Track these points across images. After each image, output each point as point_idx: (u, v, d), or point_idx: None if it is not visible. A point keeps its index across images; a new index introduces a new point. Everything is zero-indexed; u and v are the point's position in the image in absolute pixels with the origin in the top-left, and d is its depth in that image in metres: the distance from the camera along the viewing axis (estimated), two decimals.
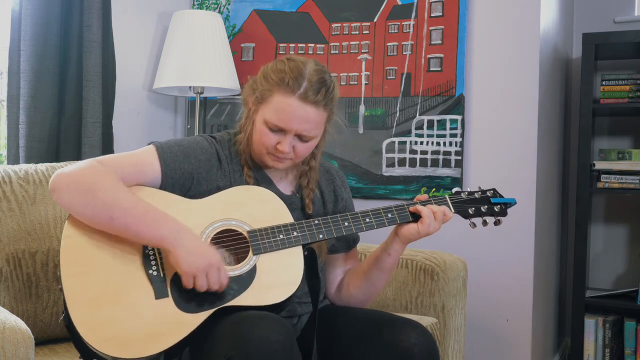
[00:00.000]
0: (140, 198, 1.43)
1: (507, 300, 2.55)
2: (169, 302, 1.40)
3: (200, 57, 2.58)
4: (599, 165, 2.88)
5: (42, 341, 1.77)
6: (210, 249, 1.41)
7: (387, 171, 2.69)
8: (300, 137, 1.55)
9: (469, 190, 1.67)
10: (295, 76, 1.50)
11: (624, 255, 3.25)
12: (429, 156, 2.63)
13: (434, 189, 2.62)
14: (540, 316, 2.71)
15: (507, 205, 1.66)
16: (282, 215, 1.54)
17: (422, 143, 2.64)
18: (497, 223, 1.64)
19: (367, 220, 1.57)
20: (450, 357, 2.05)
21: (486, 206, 1.64)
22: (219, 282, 1.39)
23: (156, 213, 1.41)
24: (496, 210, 1.64)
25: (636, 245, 3.21)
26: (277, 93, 1.52)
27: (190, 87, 2.73)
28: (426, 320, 1.98)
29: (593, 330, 2.93)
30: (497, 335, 2.56)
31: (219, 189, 1.56)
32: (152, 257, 1.43)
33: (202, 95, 2.77)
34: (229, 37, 2.88)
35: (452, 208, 1.62)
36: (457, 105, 2.59)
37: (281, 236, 1.50)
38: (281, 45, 2.86)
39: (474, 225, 1.63)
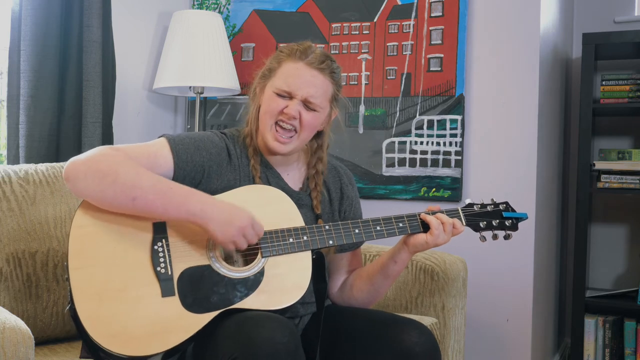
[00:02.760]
0: (160, 176, 1.44)
1: (507, 300, 2.54)
2: (175, 300, 1.40)
3: (200, 57, 2.58)
4: (599, 165, 2.88)
5: (42, 341, 1.77)
6: (239, 212, 1.43)
7: (387, 171, 2.69)
8: (306, 105, 1.58)
9: (482, 202, 1.66)
10: (304, 49, 1.62)
11: (624, 255, 3.24)
12: (429, 156, 2.63)
13: (433, 189, 2.65)
14: (540, 316, 2.71)
15: (518, 219, 1.64)
16: (293, 217, 1.54)
17: (422, 143, 2.64)
18: (507, 237, 1.63)
19: (378, 228, 1.58)
20: (450, 357, 2.05)
21: (498, 220, 1.63)
22: (256, 236, 1.45)
23: (180, 189, 1.42)
24: (507, 224, 1.63)
25: (636, 245, 3.21)
26: (285, 62, 1.61)
27: (190, 87, 2.73)
28: (426, 320, 1.98)
29: (593, 330, 2.93)
30: (497, 335, 2.56)
31: (229, 183, 1.57)
32: (161, 253, 1.43)
33: (202, 95, 2.77)
34: (229, 37, 2.88)
35: (464, 221, 1.61)
36: (457, 105, 2.59)
37: (291, 240, 1.50)
38: (281, 45, 2.85)
39: (484, 238, 1.62)
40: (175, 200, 1.40)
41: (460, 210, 1.62)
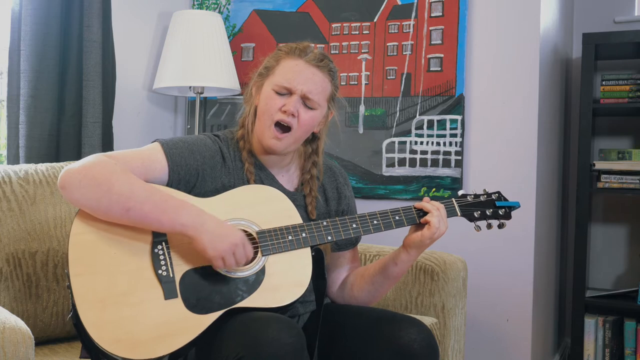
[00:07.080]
0: (155, 187, 1.44)
1: (507, 300, 2.55)
2: (178, 302, 1.40)
3: (200, 57, 2.58)
4: (599, 165, 2.88)
5: (42, 341, 1.77)
6: (231, 229, 1.43)
7: (387, 171, 2.69)
8: (305, 102, 1.59)
9: (474, 193, 1.69)
10: (303, 47, 1.64)
11: (624, 255, 3.25)
12: (429, 156, 2.63)
13: (433, 189, 2.65)
14: (540, 316, 2.71)
15: (511, 208, 1.68)
16: (291, 215, 1.55)
17: (422, 143, 2.64)
18: (500, 226, 1.66)
19: (375, 222, 1.59)
20: (450, 357, 2.05)
21: (491, 209, 1.66)
22: (245, 257, 1.43)
23: (174, 201, 1.42)
24: (500, 213, 1.66)
25: (636, 245, 3.21)
26: (284, 60, 1.62)
27: (190, 87, 2.73)
28: (426, 320, 1.98)
29: (593, 330, 2.93)
30: (497, 335, 2.56)
31: (223, 186, 1.57)
32: (161, 256, 1.43)
33: (202, 95, 2.77)
34: (229, 37, 2.88)
35: (458, 211, 1.63)
36: (457, 105, 2.59)
37: (290, 237, 1.51)
38: (281, 45, 2.85)
39: (479, 228, 1.65)
40: (170, 213, 1.40)
41: (454, 201, 1.65)
